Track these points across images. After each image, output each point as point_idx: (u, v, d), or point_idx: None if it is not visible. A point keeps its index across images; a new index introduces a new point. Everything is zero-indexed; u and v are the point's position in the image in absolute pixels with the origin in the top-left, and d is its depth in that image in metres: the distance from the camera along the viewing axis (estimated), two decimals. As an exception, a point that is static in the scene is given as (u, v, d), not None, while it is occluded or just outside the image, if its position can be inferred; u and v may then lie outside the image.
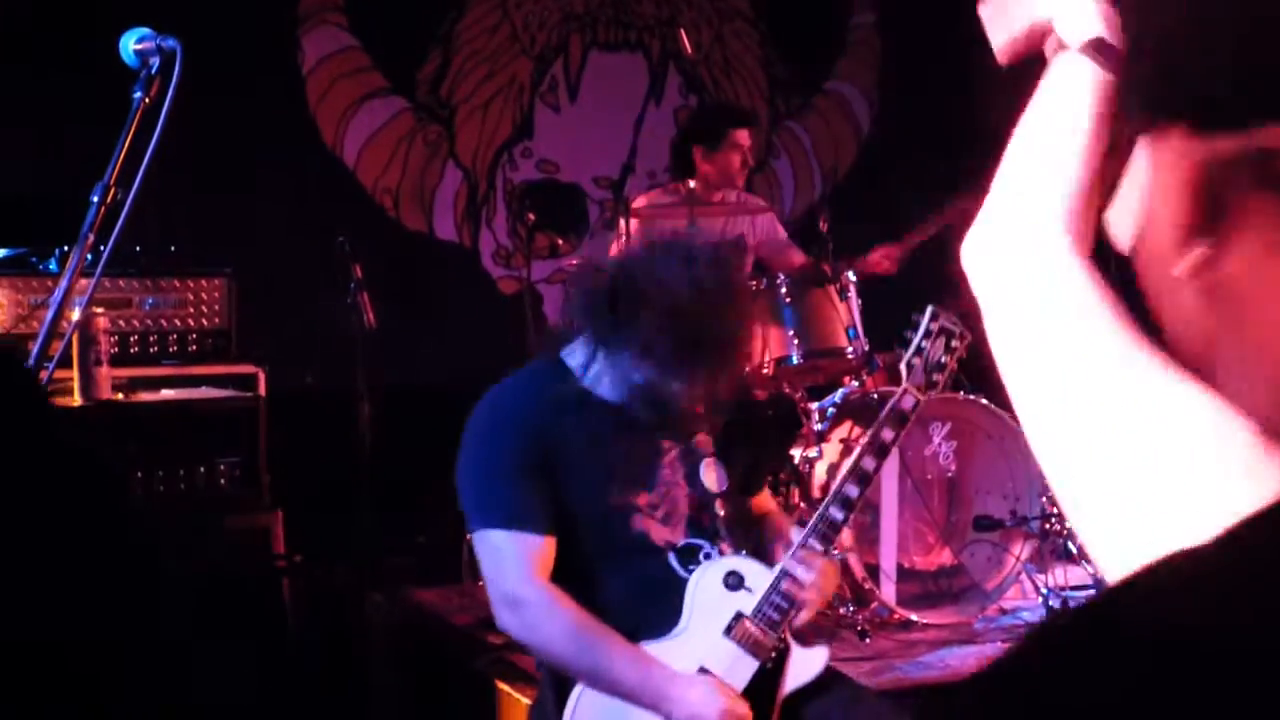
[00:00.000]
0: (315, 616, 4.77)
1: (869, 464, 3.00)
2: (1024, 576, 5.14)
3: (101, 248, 2.26)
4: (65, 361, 4.04)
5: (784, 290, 4.98)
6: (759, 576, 2.93)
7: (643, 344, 2.85)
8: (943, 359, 3.12)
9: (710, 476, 3.02)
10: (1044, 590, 5.00)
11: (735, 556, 2.97)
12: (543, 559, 2.88)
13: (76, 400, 4.00)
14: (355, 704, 4.69)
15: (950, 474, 5.16)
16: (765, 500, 3.34)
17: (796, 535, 2.97)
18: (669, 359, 2.86)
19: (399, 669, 4.88)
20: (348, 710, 4.64)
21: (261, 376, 4.48)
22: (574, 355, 3.01)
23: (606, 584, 2.93)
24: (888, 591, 4.90)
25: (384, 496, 5.16)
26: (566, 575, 2.90)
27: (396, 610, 5.08)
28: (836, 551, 4.28)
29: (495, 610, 2.92)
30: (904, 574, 5.06)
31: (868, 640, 4.63)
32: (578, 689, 2.85)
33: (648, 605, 2.91)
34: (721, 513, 3.01)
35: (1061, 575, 5.08)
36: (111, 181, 2.15)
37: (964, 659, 4.57)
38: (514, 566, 2.86)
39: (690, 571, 2.94)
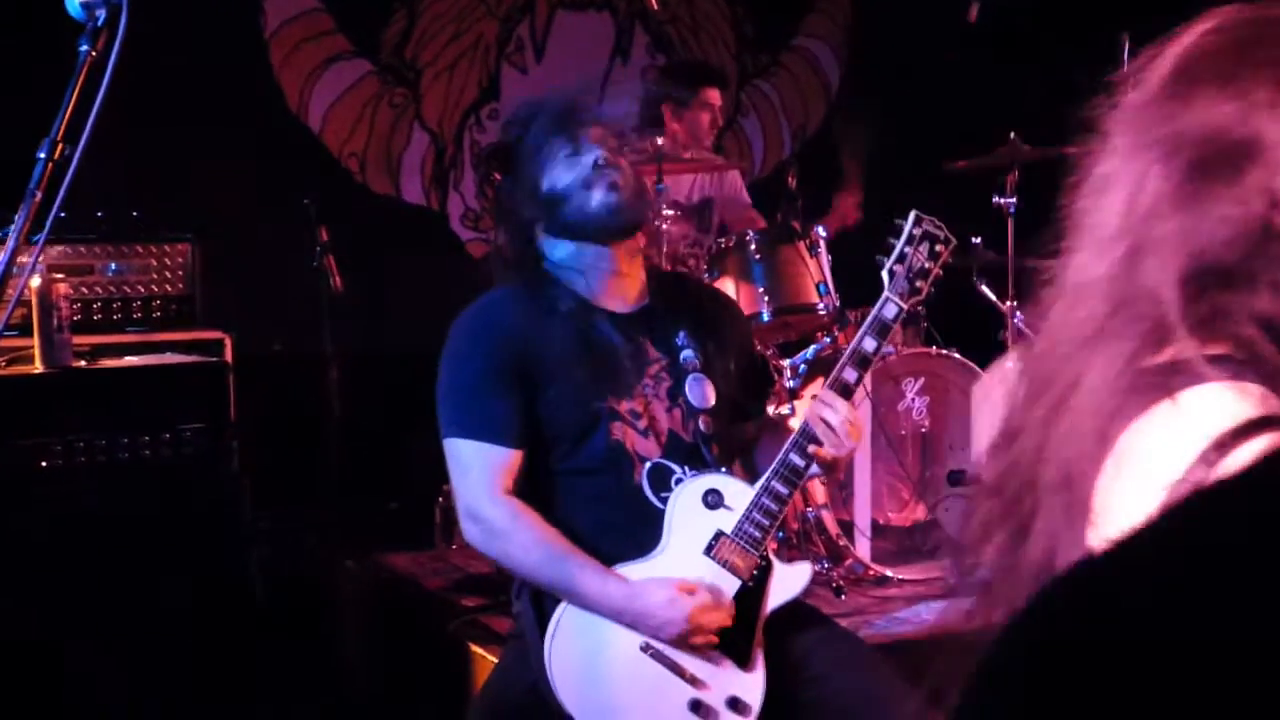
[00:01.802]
0: (284, 582, 4.75)
1: (850, 375, 2.95)
2: (998, 531, 5.14)
3: (60, 213, 2.20)
4: (27, 329, 4.00)
5: (753, 247, 4.94)
6: (739, 494, 2.92)
7: (543, 153, 3.02)
8: (926, 265, 3.03)
9: (697, 391, 3.01)
10: (1018, 544, 4.98)
11: (714, 474, 2.96)
12: (510, 472, 2.89)
13: (38, 368, 3.95)
14: (327, 667, 4.67)
15: (924, 429, 5.15)
16: (762, 421, 3.31)
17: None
18: (560, 136, 3.00)
19: (371, 633, 4.85)
20: (319, 673, 4.61)
21: (228, 342, 4.44)
22: (552, 252, 3.06)
23: (578, 497, 2.94)
24: (863, 548, 4.88)
25: (354, 462, 5.13)
26: (538, 485, 2.91)
27: (368, 575, 5.05)
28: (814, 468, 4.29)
29: (460, 521, 2.93)
30: (879, 530, 5.05)
31: (843, 597, 4.61)
32: (558, 611, 2.84)
33: (619, 523, 2.91)
34: (705, 430, 2.99)
35: (1036, 529, 5.07)
36: (59, 137, 2.10)
37: (940, 614, 4.55)
38: (480, 479, 2.87)
39: (659, 494, 2.92)
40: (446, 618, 4.56)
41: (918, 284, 3.03)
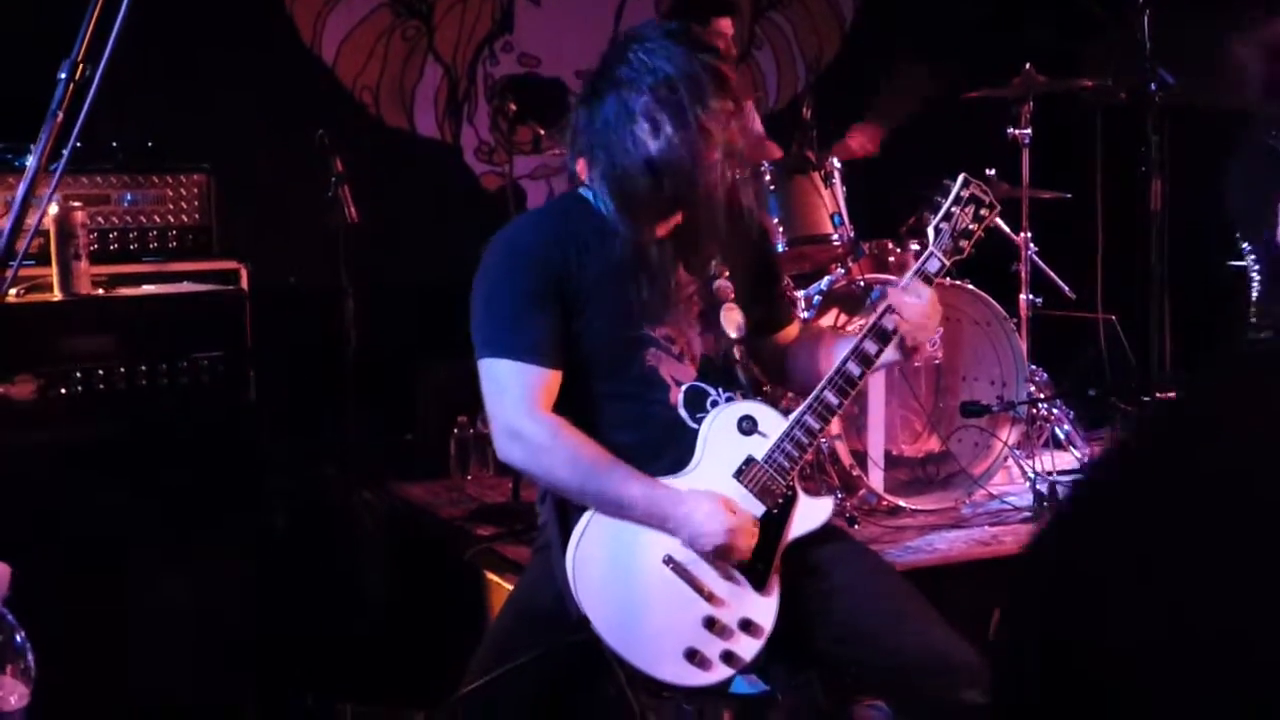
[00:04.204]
0: (300, 512, 4.78)
1: (888, 322, 3.01)
2: (1011, 461, 5.16)
3: (76, 143, 2.21)
4: (44, 258, 4.01)
5: (768, 178, 4.94)
6: (773, 422, 2.96)
7: (637, 108, 2.87)
8: (970, 227, 3.13)
9: (730, 320, 3.03)
10: (1031, 474, 5.01)
11: (751, 401, 2.99)
12: (548, 391, 2.91)
13: (56, 296, 3.96)
14: (345, 596, 4.71)
15: (937, 361, 5.16)
16: (794, 329, 3.35)
17: (839, 353, 3.02)
18: (668, 110, 2.86)
19: (387, 562, 4.89)
20: (337, 602, 4.66)
21: (244, 272, 4.44)
22: (590, 188, 3.02)
23: (613, 419, 2.96)
24: (875, 478, 4.91)
25: (369, 393, 5.15)
26: (573, 409, 2.93)
27: (384, 505, 5.09)
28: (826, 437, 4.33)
29: (496, 440, 2.94)
30: (892, 461, 5.07)
31: (856, 526, 4.64)
32: (584, 520, 2.87)
33: (654, 442, 2.94)
34: (739, 358, 3.02)
35: (1049, 460, 5.10)
36: (79, 57, 2.10)
37: (952, 543, 4.59)
38: (518, 397, 2.88)
39: (694, 415, 2.96)
40: (463, 546, 4.60)
41: (961, 243, 3.14)
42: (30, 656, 1.96)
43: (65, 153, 2.16)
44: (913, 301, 2.99)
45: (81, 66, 2.13)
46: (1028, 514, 4.88)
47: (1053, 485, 4.91)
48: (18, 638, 1.95)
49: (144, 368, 4.00)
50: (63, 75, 2.12)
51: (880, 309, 3.03)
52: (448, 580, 4.66)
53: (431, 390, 5.91)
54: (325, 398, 5.17)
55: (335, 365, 5.02)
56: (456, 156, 6.76)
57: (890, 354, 3.02)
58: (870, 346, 2.99)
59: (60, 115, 2.14)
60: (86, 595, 3.82)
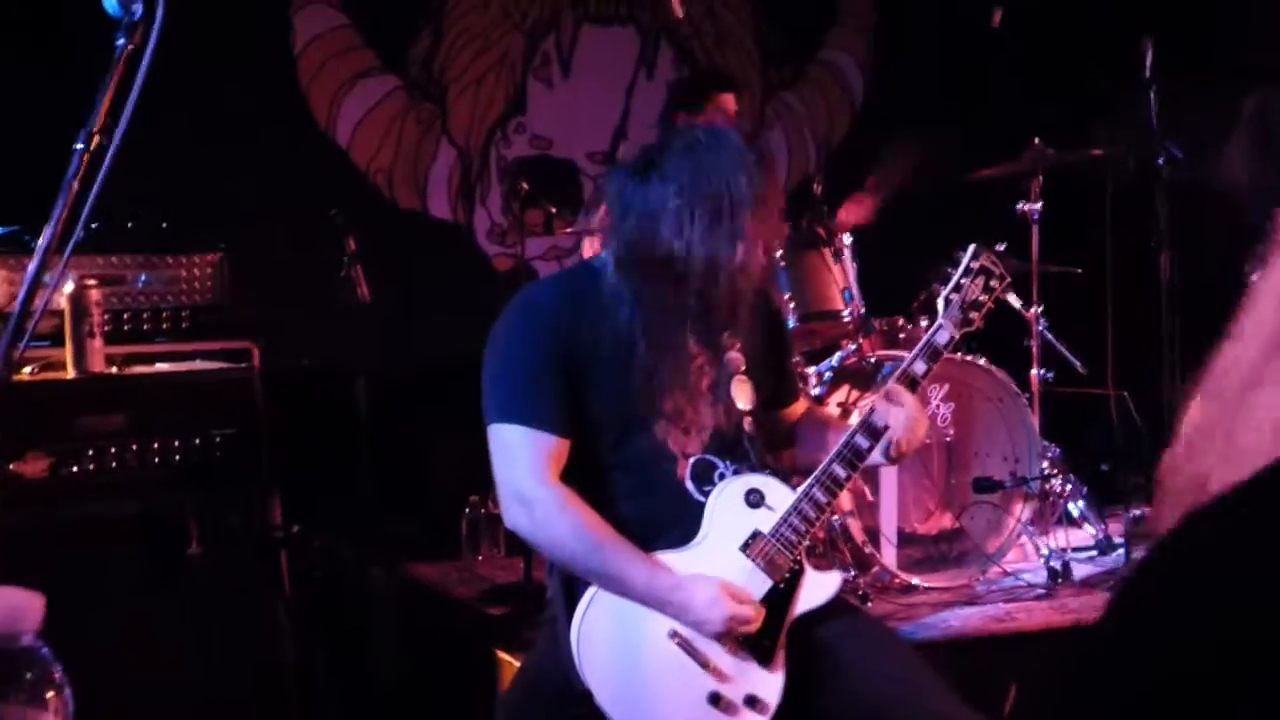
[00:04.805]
0: (314, 590, 4.77)
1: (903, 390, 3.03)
2: (1024, 538, 5.13)
3: (91, 224, 2.23)
4: (58, 338, 4.03)
5: (779, 254, 4.96)
6: (780, 496, 2.96)
7: (679, 203, 2.87)
8: (980, 298, 3.16)
9: (740, 393, 3.03)
10: (1045, 551, 4.99)
11: (758, 474, 2.98)
12: (557, 459, 2.90)
13: (70, 374, 3.98)
14: (357, 675, 4.69)
15: (949, 437, 5.15)
16: (800, 405, 3.36)
17: (834, 440, 3.03)
18: (712, 214, 2.87)
19: (400, 640, 4.88)
20: (349, 680, 4.64)
21: (255, 352, 4.46)
22: (604, 259, 3.03)
23: (620, 490, 2.95)
24: (889, 556, 4.88)
25: (382, 472, 5.15)
26: (580, 479, 2.91)
27: (395, 583, 5.08)
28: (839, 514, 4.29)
29: (504, 506, 2.93)
30: (905, 539, 5.04)
31: (869, 604, 4.61)
32: (589, 594, 2.86)
33: (660, 515, 2.93)
34: (749, 430, 3.02)
35: (1063, 537, 5.08)
36: (96, 129, 2.13)
37: (966, 620, 4.56)
38: (527, 464, 2.88)
39: (702, 488, 2.95)
40: (473, 625, 4.59)
41: (970, 314, 3.16)
42: (68, 692, 1.93)
43: (79, 230, 2.18)
44: (895, 410, 3.00)
45: (97, 137, 2.15)
46: (1041, 591, 4.85)
47: (1065, 563, 4.89)
48: (56, 674, 1.93)
49: (156, 445, 4.01)
50: (79, 146, 2.14)
51: (867, 409, 3.04)
52: (459, 658, 4.64)
53: (443, 471, 5.91)
54: (338, 477, 5.18)
55: (348, 446, 5.03)
56: (469, 238, 6.81)
57: (877, 455, 3.01)
58: (863, 443, 3.00)
59: (75, 186, 2.15)
60: (95, 675, 3.80)
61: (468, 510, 5.57)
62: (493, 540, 5.50)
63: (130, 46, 2.13)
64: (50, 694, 1.89)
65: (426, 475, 6.01)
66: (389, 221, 6.55)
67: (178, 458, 4.05)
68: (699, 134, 2.97)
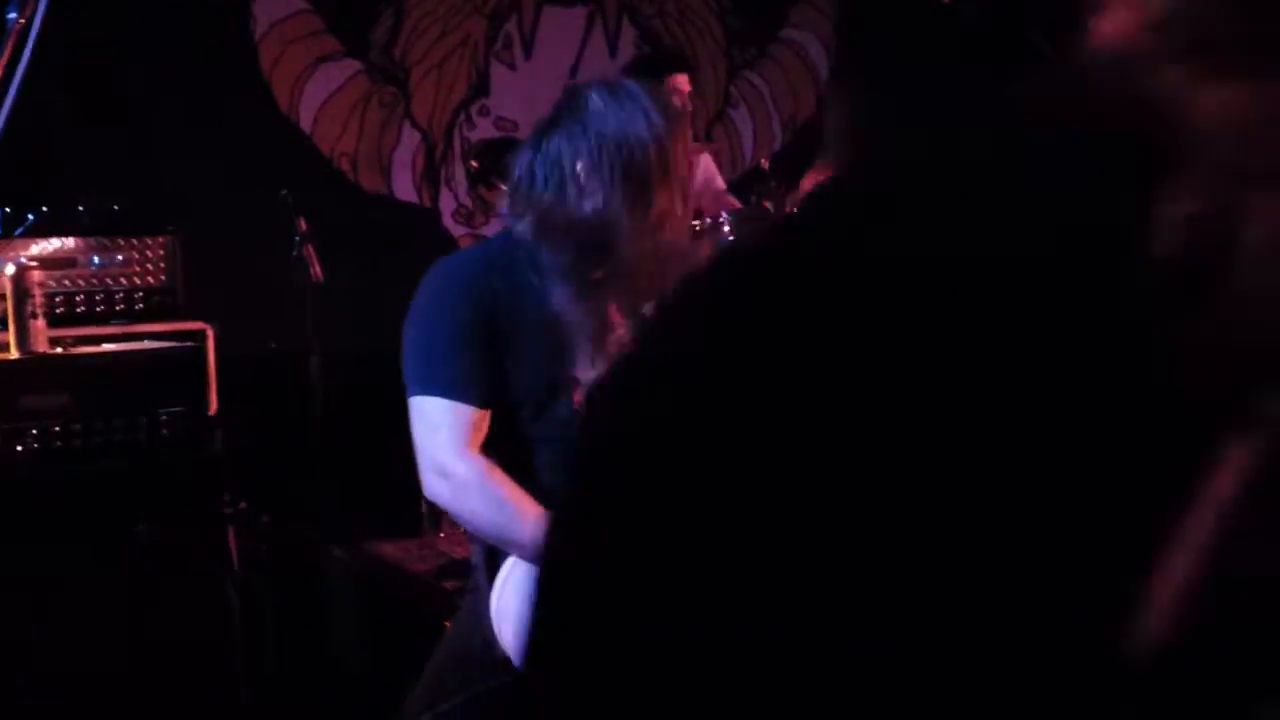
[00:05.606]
0: (271, 570, 4.80)
1: None
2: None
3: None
4: (1, 323, 4.06)
5: (727, 230, 4.99)
6: None
7: (579, 163, 2.85)
8: None
9: None
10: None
11: None
12: (477, 430, 2.89)
13: (13, 354, 4.01)
14: (308, 652, 4.72)
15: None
16: None
17: None
18: (611, 170, 2.85)
19: (354, 617, 4.90)
20: (308, 658, 4.67)
21: (210, 333, 4.49)
22: (522, 225, 2.99)
23: (541, 461, 2.94)
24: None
25: (340, 453, 5.17)
26: (501, 450, 2.91)
27: (352, 560, 5.10)
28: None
29: (424, 478, 2.94)
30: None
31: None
32: (508, 563, 2.87)
33: None
34: None
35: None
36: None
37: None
38: (447, 436, 2.87)
39: None
40: (428, 600, 4.61)
41: None
42: None
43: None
44: None
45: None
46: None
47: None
48: None
49: (101, 424, 4.03)
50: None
51: None
52: (412, 634, 4.67)
53: (404, 454, 5.92)
54: (295, 457, 5.20)
55: (302, 425, 5.05)
56: (435, 220, 6.83)
57: None
58: None
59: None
60: (38, 654, 3.83)
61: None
62: (453, 517, 5.52)
63: (20, 21, 2.15)
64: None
65: (386, 453, 6.03)
66: (354, 205, 6.57)
67: (121, 437, 4.06)
68: (592, 90, 2.94)
